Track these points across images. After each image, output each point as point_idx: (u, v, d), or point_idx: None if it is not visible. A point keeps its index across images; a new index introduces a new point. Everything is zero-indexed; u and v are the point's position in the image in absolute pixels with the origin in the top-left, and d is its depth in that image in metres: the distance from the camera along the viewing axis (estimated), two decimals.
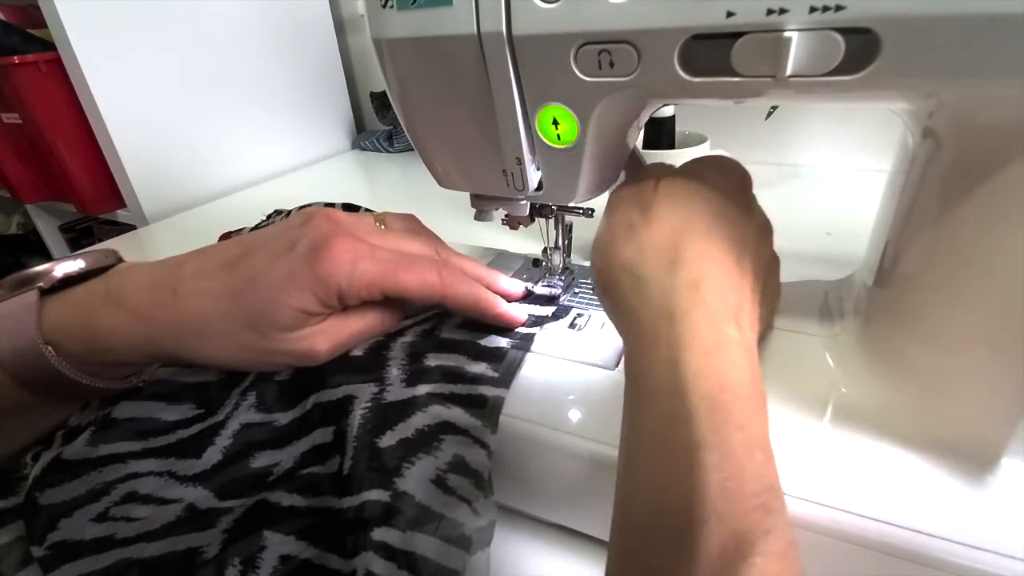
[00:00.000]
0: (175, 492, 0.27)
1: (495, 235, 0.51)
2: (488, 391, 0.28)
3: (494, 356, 0.30)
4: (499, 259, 0.42)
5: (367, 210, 0.47)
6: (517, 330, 0.33)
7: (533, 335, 0.32)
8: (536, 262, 0.40)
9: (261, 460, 0.28)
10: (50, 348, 0.24)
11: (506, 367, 0.29)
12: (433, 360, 0.30)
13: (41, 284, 0.26)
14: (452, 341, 0.31)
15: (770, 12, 0.18)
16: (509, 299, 0.34)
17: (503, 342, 0.31)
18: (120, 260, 0.29)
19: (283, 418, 0.29)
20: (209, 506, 0.27)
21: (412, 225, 0.33)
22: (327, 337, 0.28)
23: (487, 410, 0.27)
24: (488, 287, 0.32)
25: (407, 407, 0.27)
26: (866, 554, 0.20)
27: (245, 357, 0.27)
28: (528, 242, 0.50)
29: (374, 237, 0.29)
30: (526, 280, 0.37)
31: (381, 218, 0.32)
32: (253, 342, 0.26)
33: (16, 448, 0.29)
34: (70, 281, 0.27)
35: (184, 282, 0.26)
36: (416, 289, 0.28)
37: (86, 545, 0.25)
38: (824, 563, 0.22)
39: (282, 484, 0.27)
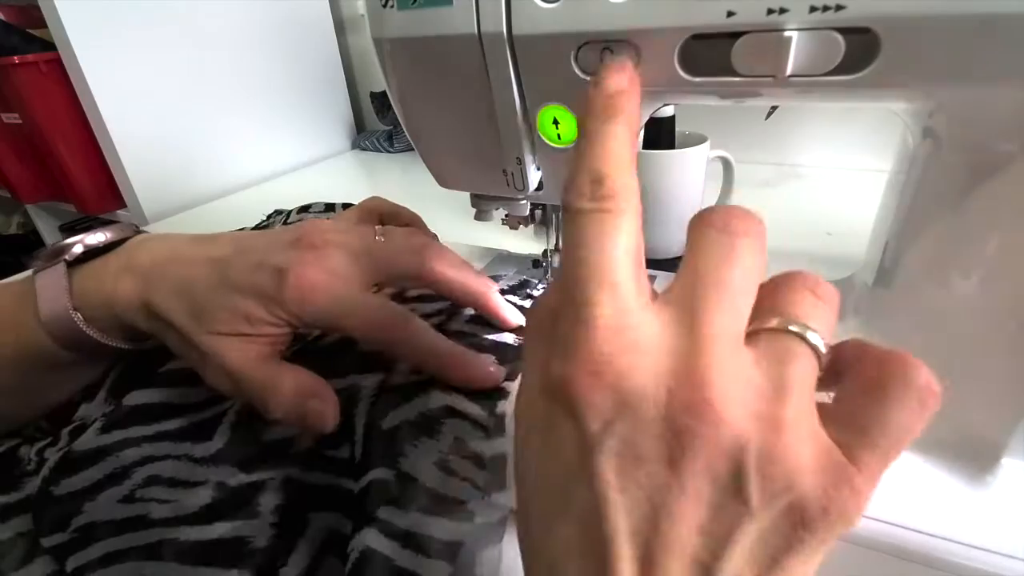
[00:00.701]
0: (198, 474, 0.27)
1: (495, 235, 0.51)
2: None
3: (500, 351, 0.30)
4: (499, 260, 0.42)
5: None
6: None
7: None
8: (536, 263, 0.40)
9: (273, 434, 0.28)
10: (79, 314, 0.28)
11: (512, 363, 0.29)
12: None
13: (67, 257, 0.29)
14: (460, 333, 0.32)
15: (770, 12, 0.18)
16: (504, 326, 0.31)
17: (510, 339, 0.31)
18: (139, 231, 0.32)
19: None
20: (238, 482, 0.27)
21: (412, 237, 0.31)
22: (239, 352, 0.26)
23: (491, 400, 0.27)
24: (476, 304, 0.31)
25: (411, 391, 0.28)
26: (867, 554, 0.20)
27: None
28: (528, 242, 0.50)
29: (353, 265, 0.28)
30: (526, 281, 0.37)
31: (383, 231, 0.30)
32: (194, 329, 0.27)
33: (63, 399, 0.32)
34: (97, 252, 0.29)
35: (177, 263, 0.28)
36: (360, 337, 0.28)
37: (119, 524, 0.26)
38: (824, 563, 0.22)
39: (303, 461, 0.27)
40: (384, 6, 0.24)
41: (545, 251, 0.37)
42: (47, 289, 0.28)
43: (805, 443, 0.14)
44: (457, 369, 0.27)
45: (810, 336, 0.15)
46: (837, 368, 0.16)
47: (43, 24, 0.64)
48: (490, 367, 0.28)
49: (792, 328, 0.15)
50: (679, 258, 0.55)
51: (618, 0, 0.20)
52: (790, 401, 0.14)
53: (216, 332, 0.26)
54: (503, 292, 0.35)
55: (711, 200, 0.54)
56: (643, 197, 0.47)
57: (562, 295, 0.16)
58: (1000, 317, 0.21)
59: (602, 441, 0.14)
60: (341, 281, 0.27)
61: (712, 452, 0.14)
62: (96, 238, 0.30)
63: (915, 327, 0.25)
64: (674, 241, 0.49)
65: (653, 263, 0.48)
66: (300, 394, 0.26)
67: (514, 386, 0.28)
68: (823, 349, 0.15)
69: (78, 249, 0.29)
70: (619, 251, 0.16)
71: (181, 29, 0.75)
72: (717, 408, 0.14)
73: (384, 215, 0.36)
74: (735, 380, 0.14)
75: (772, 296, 0.16)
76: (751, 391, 0.14)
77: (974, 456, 0.22)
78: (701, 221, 0.18)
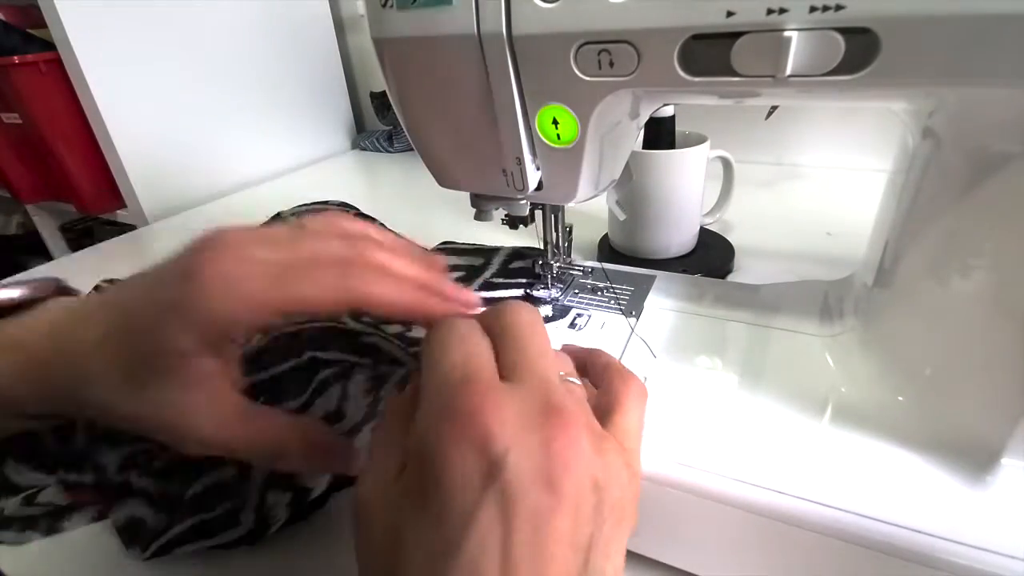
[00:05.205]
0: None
1: (495, 235, 0.51)
2: None
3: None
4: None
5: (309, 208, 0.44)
6: None
7: None
8: (536, 262, 0.40)
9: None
10: None
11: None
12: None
13: None
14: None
15: (770, 12, 0.18)
16: (463, 306, 0.27)
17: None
18: (61, 290, 0.27)
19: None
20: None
21: (334, 222, 0.26)
22: (210, 412, 0.22)
23: None
24: (430, 291, 0.25)
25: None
26: (866, 554, 0.20)
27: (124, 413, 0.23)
28: (528, 242, 0.50)
29: (272, 248, 0.23)
30: (524, 282, 0.37)
31: (300, 223, 0.26)
32: (127, 400, 0.22)
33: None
34: (8, 310, 0.25)
35: (75, 328, 0.23)
36: (315, 298, 0.22)
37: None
38: (824, 563, 0.22)
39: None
40: (384, 6, 0.24)
41: (546, 247, 0.37)
42: None
43: (618, 451, 0.19)
44: (422, 309, 0.24)
45: (571, 379, 0.22)
46: (588, 375, 0.25)
47: (43, 24, 0.65)
48: (450, 311, 0.25)
49: (562, 375, 0.21)
50: (679, 258, 0.55)
51: (618, 0, 0.20)
52: (596, 424, 0.20)
53: (158, 391, 0.21)
54: (489, 282, 0.35)
55: (711, 200, 0.54)
56: (643, 197, 0.47)
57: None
58: (1000, 317, 0.21)
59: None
60: (258, 261, 0.22)
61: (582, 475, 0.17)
62: (9, 293, 0.25)
63: (915, 327, 0.25)
64: (674, 241, 0.49)
65: (652, 263, 0.48)
66: (311, 455, 0.25)
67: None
68: (580, 384, 0.22)
69: None
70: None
71: (181, 29, 0.75)
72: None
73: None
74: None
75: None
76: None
77: (974, 456, 0.22)
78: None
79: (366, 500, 0.18)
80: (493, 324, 0.21)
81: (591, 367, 0.25)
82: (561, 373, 0.21)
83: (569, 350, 0.26)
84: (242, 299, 0.21)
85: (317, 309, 0.23)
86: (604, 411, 0.22)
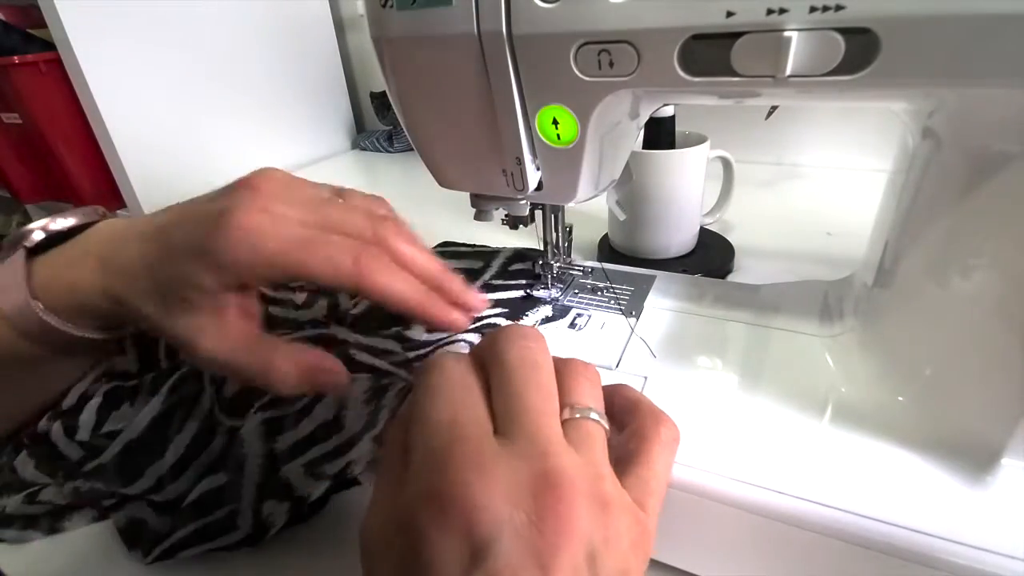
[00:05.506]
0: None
1: (495, 235, 0.51)
2: None
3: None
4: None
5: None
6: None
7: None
8: (536, 263, 0.40)
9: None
10: (39, 304, 0.26)
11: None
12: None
13: (26, 243, 0.27)
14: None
15: (770, 12, 0.18)
16: (468, 309, 0.28)
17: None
18: (106, 216, 0.30)
19: None
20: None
21: (371, 204, 0.28)
22: (220, 336, 0.25)
23: None
24: (437, 288, 0.26)
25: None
26: (866, 554, 0.20)
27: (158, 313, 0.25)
28: (528, 242, 0.50)
29: (300, 209, 0.25)
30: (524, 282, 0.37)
31: (341, 192, 0.29)
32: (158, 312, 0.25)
33: (36, 404, 0.32)
34: (61, 237, 0.28)
35: (129, 241, 0.26)
36: (321, 272, 0.24)
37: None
38: (824, 563, 0.22)
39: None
40: (384, 6, 0.24)
41: (546, 247, 0.37)
42: (5, 280, 0.26)
43: (625, 513, 0.18)
44: (425, 312, 0.25)
45: (593, 415, 0.20)
46: (614, 412, 0.22)
47: (43, 24, 0.64)
48: (454, 315, 0.26)
49: (579, 415, 0.20)
50: (678, 258, 0.55)
51: (618, 0, 0.20)
52: (606, 480, 0.18)
53: (181, 314, 0.24)
54: (489, 284, 0.36)
55: (711, 200, 0.54)
56: (643, 197, 0.47)
57: None
58: (1000, 317, 0.21)
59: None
60: (284, 220, 0.24)
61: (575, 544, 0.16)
62: (60, 223, 0.28)
63: (915, 327, 0.25)
64: (674, 241, 0.49)
65: (652, 263, 0.48)
66: (304, 374, 0.26)
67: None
68: (604, 423, 0.20)
69: (38, 236, 0.27)
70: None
71: (181, 29, 0.75)
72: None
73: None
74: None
75: (562, 386, 0.20)
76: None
77: (974, 456, 0.22)
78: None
79: (369, 537, 0.18)
80: (490, 361, 0.20)
81: (616, 405, 0.22)
82: (582, 406, 0.20)
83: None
84: (259, 255, 0.23)
85: (322, 283, 0.24)
86: (627, 458, 0.20)
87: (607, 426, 0.20)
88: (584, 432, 0.19)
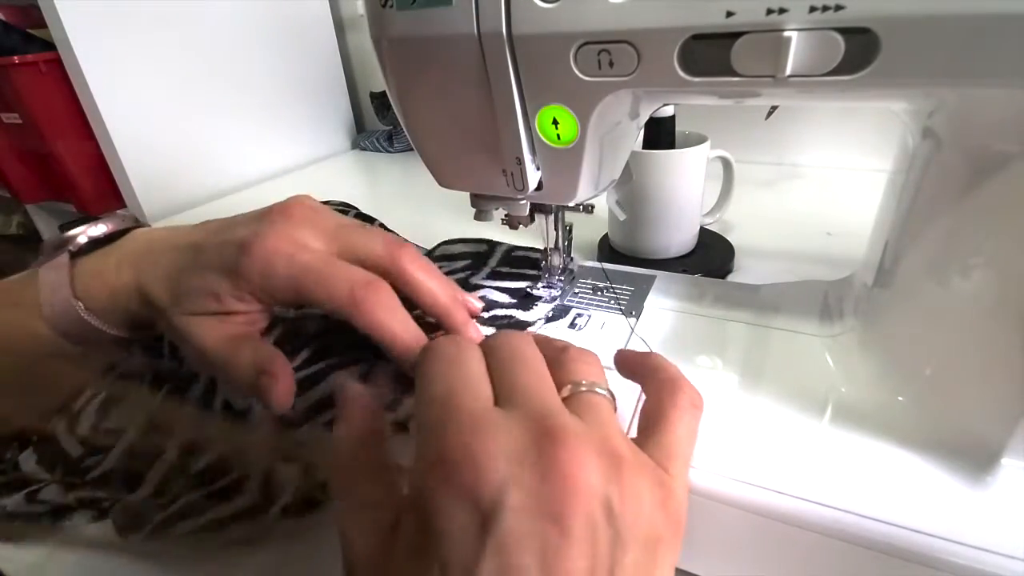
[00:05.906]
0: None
1: (495, 235, 0.51)
2: None
3: None
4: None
5: (365, 217, 0.46)
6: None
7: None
8: (536, 263, 0.40)
9: None
10: (80, 304, 0.28)
11: None
12: None
13: (71, 248, 0.30)
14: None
15: (770, 12, 0.18)
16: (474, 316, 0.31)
17: None
18: (138, 224, 0.33)
19: None
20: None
21: (389, 235, 0.30)
22: (214, 335, 0.27)
23: None
24: (445, 316, 0.29)
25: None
26: (866, 554, 0.20)
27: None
28: (528, 242, 0.50)
29: (322, 238, 0.27)
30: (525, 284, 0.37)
31: (364, 225, 0.30)
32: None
33: (73, 391, 0.33)
34: (98, 243, 0.30)
35: (165, 252, 0.29)
36: (324, 303, 0.26)
37: None
38: (824, 563, 0.22)
39: None
40: (384, 6, 0.24)
41: (545, 250, 0.37)
42: (51, 280, 0.28)
43: (643, 472, 0.18)
44: (411, 356, 0.25)
45: (597, 389, 0.20)
46: (634, 372, 0.23)
47: (43, 24, 0.65)
48: None
49: (583, 390, 0.20)
50: (679, 258, 0.55)
51: (618, 0, 0.20)
52: (616, 438, 0.18)
53: (190, 313, 0.27)
54: (496, 272, 0.36)
55: (711, 200, 0.54)
56: (643, 197, 0.47)
57: None
58: (1000, 317, 0.21)
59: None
60: (305, 250, 0.26)
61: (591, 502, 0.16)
62: (98, 229, 0.31)
63: (914, 327, 0.25)
64: (673, 241, 0.49)
65: (652, 263, 0.48)
66: (256, 368, 0.26)
67: None
68: (609, 396, 0.20)
69: (82, 240, 0.30)
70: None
71: (181, 29, 0.75)
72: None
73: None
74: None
75: (559, 371, 0.21)
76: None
77: (974, 456, 0.22)
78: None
79: (364, 565, 0.18)
80: (486, 352, 0.21)
81: (641, 374, 0.23)
82: (584, 382, 0.20)
83: (622, 355, 0.24)
84: (276, 279, 0.26)
85: (324, 310, 0.27)
86: (647, 425, 0.20)
87: (614, 398, 0.20)
88: (587, 402, 0.19)
